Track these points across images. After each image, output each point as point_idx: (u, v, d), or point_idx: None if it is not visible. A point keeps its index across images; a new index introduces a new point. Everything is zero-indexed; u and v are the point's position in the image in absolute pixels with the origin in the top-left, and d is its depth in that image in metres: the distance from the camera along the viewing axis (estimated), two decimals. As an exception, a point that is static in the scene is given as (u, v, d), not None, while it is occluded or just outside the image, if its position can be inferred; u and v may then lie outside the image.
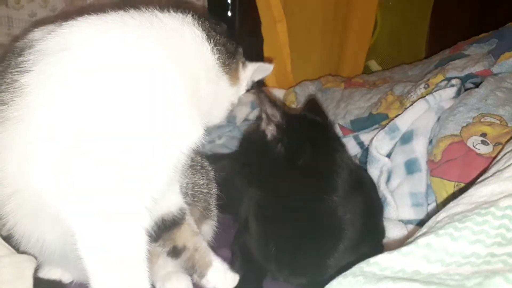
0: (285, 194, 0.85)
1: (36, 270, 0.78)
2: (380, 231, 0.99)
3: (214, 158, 1.12)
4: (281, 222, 0.86)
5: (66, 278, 0.84)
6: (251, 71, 0.85)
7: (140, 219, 0.63)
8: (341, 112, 1.45)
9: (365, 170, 1.18)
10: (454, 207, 0.56)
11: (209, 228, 0.98)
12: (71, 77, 0.62)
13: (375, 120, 1.32)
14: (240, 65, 0.83)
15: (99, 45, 0.65)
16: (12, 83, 0.63)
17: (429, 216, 1.03)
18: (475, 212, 0.50)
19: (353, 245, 0.84)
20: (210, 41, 0.75)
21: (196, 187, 0.91)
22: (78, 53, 0.64)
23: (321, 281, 0.80)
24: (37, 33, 0.69)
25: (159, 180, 0.66)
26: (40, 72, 0.62)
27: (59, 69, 0.62)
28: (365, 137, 1.31)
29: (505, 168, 0.59)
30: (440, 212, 0.58)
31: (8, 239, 0.74)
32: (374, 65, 2.27)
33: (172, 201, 0.81)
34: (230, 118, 1.54)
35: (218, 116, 0.82)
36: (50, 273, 0.84)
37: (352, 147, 1.34)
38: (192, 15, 0.76)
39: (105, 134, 0.61)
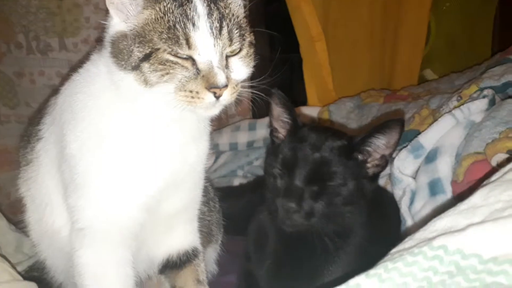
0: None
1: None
2: None
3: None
4: None
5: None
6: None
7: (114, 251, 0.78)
8: (375, 129, 1.38)
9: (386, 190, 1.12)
10: (408, 241, 0.51)
11: (212, 250, 1.07)
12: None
13: (407, 137, 1.23)
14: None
15: None
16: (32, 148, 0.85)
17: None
18: (409, 251, 0.45)
19: None
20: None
21: (200, 214, 0.94)
22: None
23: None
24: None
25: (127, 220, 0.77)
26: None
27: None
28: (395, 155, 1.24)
29: (471, 196, 0.53)
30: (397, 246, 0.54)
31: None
32: (430, 74, 2.13)
33: (179, 241, 0.88)
34: (267, 139, 1.56)
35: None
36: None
37: (383, 167, 1.28)
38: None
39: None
